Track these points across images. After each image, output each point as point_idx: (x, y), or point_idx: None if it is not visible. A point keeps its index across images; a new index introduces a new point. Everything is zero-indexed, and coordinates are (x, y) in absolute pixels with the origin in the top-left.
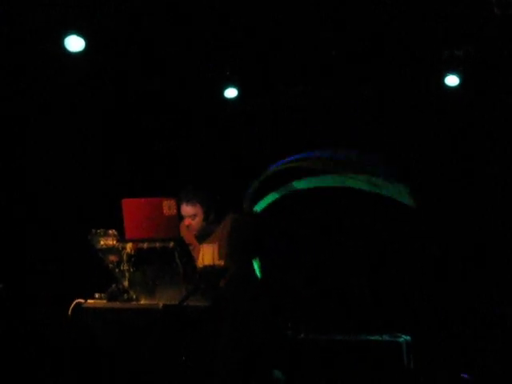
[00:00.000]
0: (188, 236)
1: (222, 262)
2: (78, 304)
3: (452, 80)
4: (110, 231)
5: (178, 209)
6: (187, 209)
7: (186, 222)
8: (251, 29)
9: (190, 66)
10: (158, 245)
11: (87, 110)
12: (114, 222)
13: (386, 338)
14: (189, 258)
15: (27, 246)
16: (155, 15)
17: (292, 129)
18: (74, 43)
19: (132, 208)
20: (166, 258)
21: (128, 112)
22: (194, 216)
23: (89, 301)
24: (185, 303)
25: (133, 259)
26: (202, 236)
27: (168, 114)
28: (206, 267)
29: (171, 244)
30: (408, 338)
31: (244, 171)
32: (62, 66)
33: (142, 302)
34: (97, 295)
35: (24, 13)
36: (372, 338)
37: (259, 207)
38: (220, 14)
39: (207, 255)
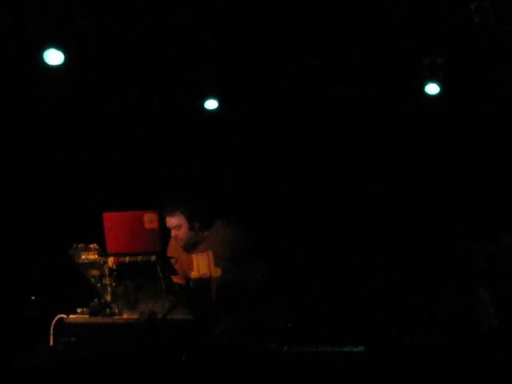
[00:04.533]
0: (177, 247)
1: (218, 270)
2: (61, 319)
3: (432, 88)
4: (91, 245)
5: (161, 222)
6: (171, 220)
7: (173, 233)
8: (232, 40)
9: (170, 77)
10: (139, 259)
11: (68, 123)
12: (96, 235)
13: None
14: (171, 272)
15: (8, 261)
16: (134, 26)
17: (272, 138)
18: (53, 57)
19: (113, 222)
20: (147, 272)
21: (108, 124)
22: (178, 227)
23: (71, 316)
24: (168, 317)
25: (114, 273)
26: (192, 245)
27: (148, 125)
28: (188, 280)
29: (153, 258)
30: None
31: (226, 178)
32: (42, 80)
33: (125, 316)
34: (79, 310)
35: (2, 27)
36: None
37: None
38: (200, 25)
39: (202, 264)
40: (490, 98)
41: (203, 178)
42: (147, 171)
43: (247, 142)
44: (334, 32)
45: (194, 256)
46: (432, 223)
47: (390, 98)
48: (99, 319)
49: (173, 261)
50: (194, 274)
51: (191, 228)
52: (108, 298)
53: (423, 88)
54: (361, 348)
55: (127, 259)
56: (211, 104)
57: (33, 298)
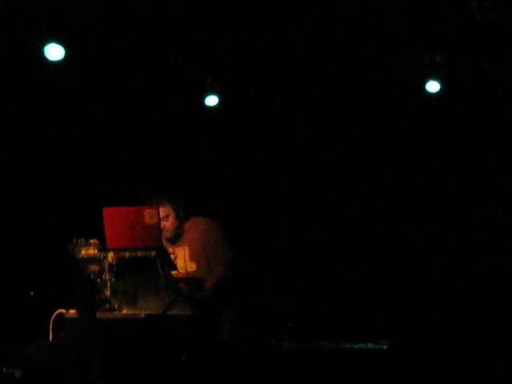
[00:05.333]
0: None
1: (193, 265)
2: (60, 314)
3: (433, 86)
4: (91, 240)
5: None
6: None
7: (161, 224)
8: (232, 37)
9: (170, 73)
10: (139, 254)
11: (68, 118)
12: (96, 231)
13: (370, 345)
14: (170, 267)
15: (8, 255)
16: (134, 21)
17: (265, 139)
18: (54, 52)
19: (113, 217)
20: (147, 268)
21: (108, 119)
22: (166, 217)
23: (70, 311)
24: (167, 312)
25: (114, 269)
26: (177, 235)
27: (146, 121)
28: (188, 276)
29: (153, 253)
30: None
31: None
32: (43, 75)
33: (124, 311)
34: None
35: (3, 22)
36: (356, 346)
37: None
38: (201, 20)
39: (179, 258)
40: (492, 96)
41: (192, 172)
42: (140, 164)
43: (242, 139)
44: (337, 30)
45: (172, 250)
46: (429, 222)
47: (391, 97)
48: (99, 314)
49: (172, 256)
50: None
51: (177, 217)
52: (107, 293)
53: (424, 86)
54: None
55: (127, 254)
56: (212, 100)
57: (31, 293)
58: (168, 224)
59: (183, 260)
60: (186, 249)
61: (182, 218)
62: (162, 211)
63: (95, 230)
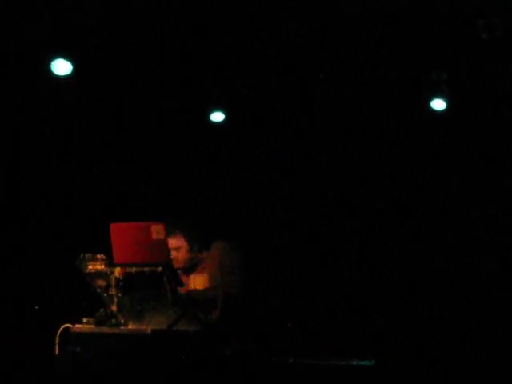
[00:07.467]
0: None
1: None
2: (66, 329)
3: (438, 104)
4: (98, 255)
5: None
6: (170, 241)
7: (172, 255)
8: (237, 52)
9: (176, 89)
10: (146, 269)
11: (74, 132)
12: (103, 246)
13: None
14: (177, 283)
15: (15, 269)
16: (142, 38)
17: (278, 154)
18: (61, 67)
19: (120, 232)
20: (154, 283)
21: (115, 135)
22: (178, 248)
23: (77, 325)
24: (173, 328)
25: (121, 284)
26: (190, 268)
27: (155, 139)
28: (195, 292)
29: (160, 269)
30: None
31: (228, 198)
32: (49, 90)
33: (130, 326)
34: (85, 320)
35: (11, 36)
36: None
37: None
38: (206, 37)
39: (199, 286)
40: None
41: (204, 195)
42: (148, 184)
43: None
44: (343, 46)
45: (191, 276)
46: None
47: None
48: (105, 329)
49: (179, 272)
50: None
51: (190, 249)
52: (114, 308)
53: (429, 103)
54: (370, 361)
55: (134, 270)
56: (217, 116)
57: (36, 307)
58: (180, 256)
59: (203, 287)
60: (206, 276)
61: (196, 250)
62: (173, 242)
63: (102, 246)
